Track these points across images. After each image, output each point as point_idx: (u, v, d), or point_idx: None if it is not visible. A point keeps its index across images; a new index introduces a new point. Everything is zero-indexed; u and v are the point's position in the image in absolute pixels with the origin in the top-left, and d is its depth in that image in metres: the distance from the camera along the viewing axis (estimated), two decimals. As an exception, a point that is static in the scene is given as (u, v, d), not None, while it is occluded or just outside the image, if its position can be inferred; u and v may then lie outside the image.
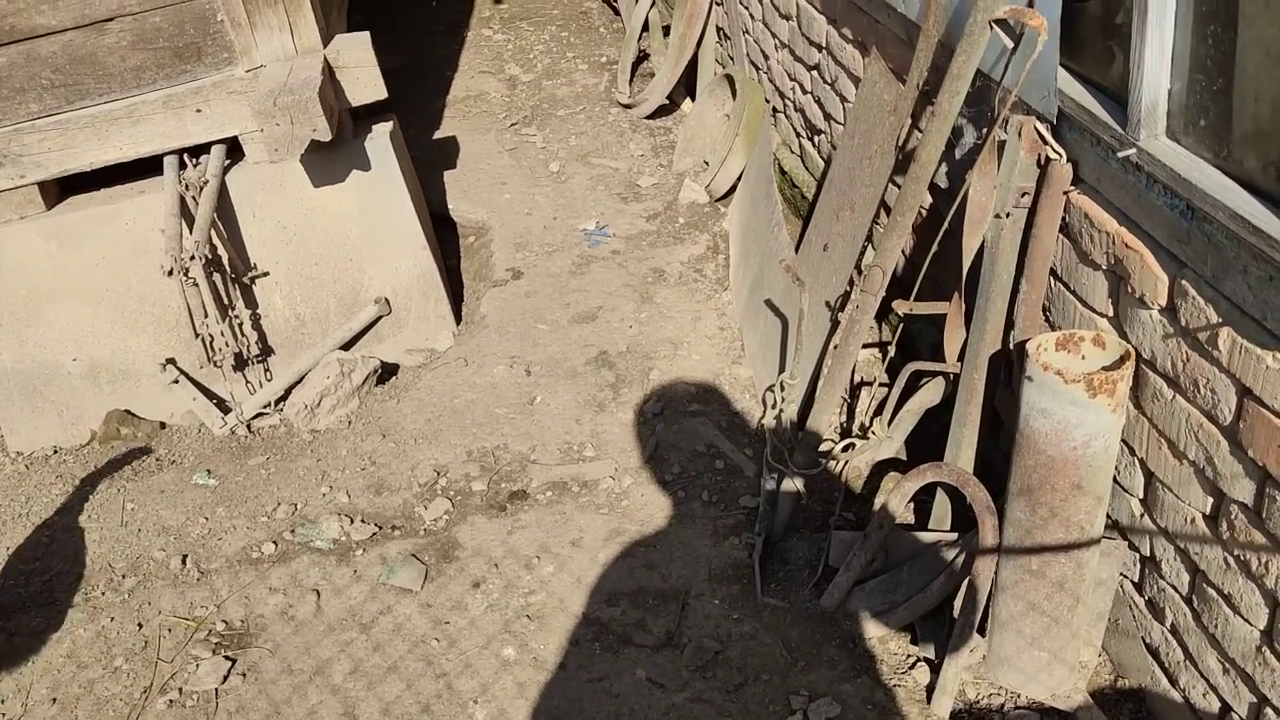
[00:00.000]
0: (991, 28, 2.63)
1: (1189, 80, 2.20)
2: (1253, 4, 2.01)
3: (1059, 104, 2.59)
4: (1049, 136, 2.63)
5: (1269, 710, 2.32)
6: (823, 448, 3.41)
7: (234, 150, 4.45)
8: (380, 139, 4.50)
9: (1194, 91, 2.20)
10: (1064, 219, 2.68)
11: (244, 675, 3.22)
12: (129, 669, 3.32)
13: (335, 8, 5.10)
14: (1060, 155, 2.61)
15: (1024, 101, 2.73)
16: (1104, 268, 2.56)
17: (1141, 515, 2.67)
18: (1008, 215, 2.74)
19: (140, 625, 3.46)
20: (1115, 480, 2.71)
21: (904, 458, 3.52)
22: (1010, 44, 2.63)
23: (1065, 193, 2.64)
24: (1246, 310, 2.09)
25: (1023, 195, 2.70)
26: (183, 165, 4.36)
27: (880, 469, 3.60)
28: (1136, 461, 2.64)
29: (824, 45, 4.34)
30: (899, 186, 3.22)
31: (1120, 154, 2.35)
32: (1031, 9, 2.52)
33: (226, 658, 3.28)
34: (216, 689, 3.18)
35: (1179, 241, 2.26)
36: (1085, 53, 2.60)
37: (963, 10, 2.91)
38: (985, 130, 2.93)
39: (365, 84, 4.41)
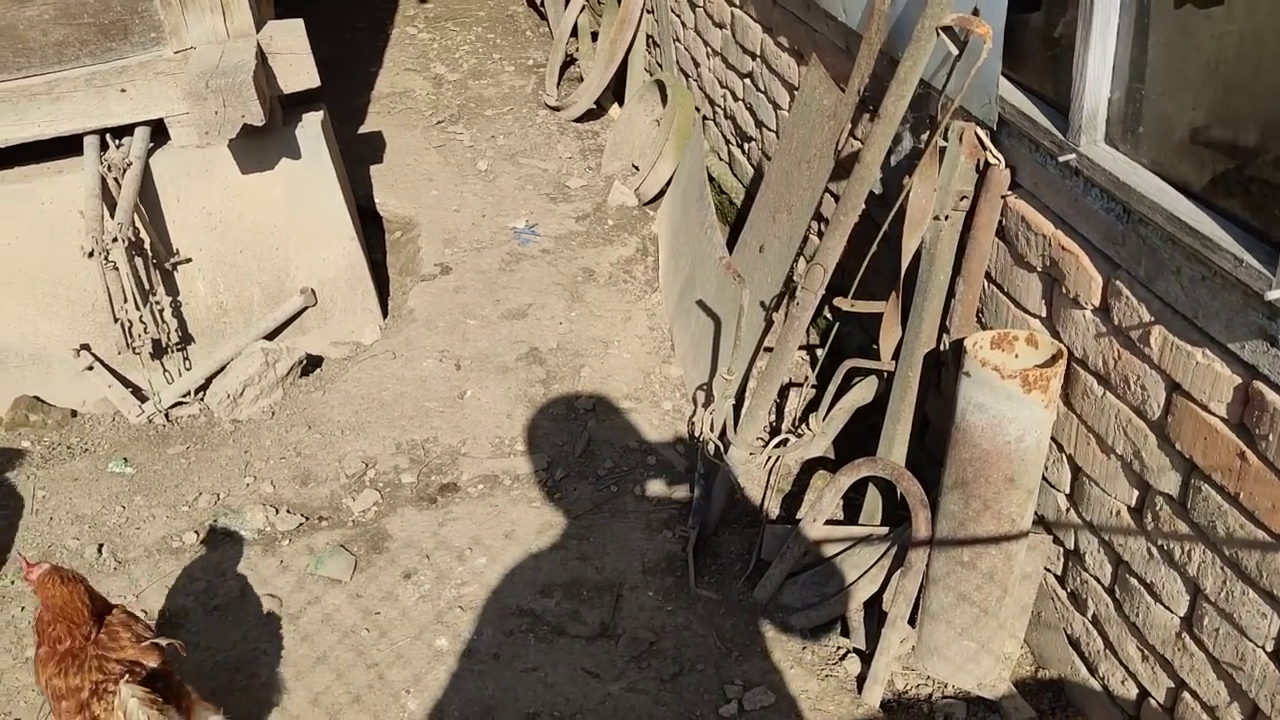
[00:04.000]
0: (938, 34, 2.72)
1: (1129, 89, 2.31)
2: (1192, 17, 2.12)
3: (999, 110, 2.69)
4: (988, 142, 2.73)
5: (1185, 694, 2.43)
6: (756, 443, 3.47)
7: (159, 133, 4.33)
8: (311, 128, 4.43)
9: (1134, 100, 2.31)
10: (1001, 222, 2.78)
11: (165, 665, 3.14)
12: None
13: (264, -6, 5.01)
14: (999, 160, 2.71)
15: (965, 108, 2.82)
16: (1039, 269, 2.67)
17: (1067, 510, 2.78)
18: (946, 218, 2.83)
19: (53, 615, 3.33)
20: (1044, 477, 2.81)
21: (832, 458, 3.59)
22: (955, 51, 2.73)
23: (1003, 197, 2.74)
24: (1178, 309, 2.20)
25: (962, 199, 2.80)
26: (104, 146, 4.23)
27: (810, 467, 3.67)
28: (1065, 458, 2.74)
29: (758, 53, 4.42)
30: (834, 196, 3.31)
31: (1061, 158, 2.45)
32: (977, 17, 2.61)
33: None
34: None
35: (1114, 244, 2.36)
36: (1026, 61, 2.71)
37: (906, 18, 3.00)
38: (925, 135, 3.02)
39: (298, 71, 4.34)
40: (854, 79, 3.27)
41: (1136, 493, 2.48)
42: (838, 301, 3.16)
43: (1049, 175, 2.57)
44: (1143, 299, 2.31)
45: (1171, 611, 2.43)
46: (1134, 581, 2.55)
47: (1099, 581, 2.70)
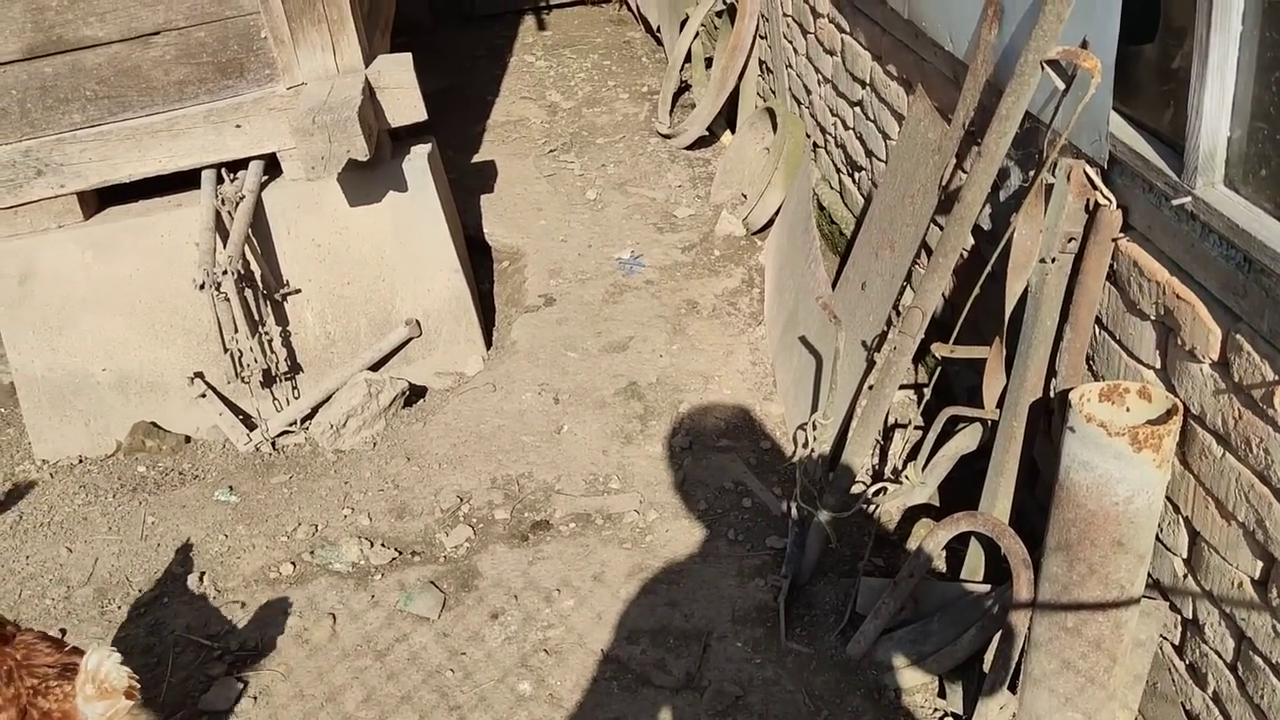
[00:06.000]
0: (1043, 68, 2.57)
1: (1250, 128, 2.13)
2: (1320, 52, 1.94)
3: (1110, 148, 2.52)
4: (1099, 181, 2.56)
5: (1315, 788, 2.22)
6: (854, 490, 3.33)
7: (272, 166, 4.44)
8: (418, 161, 4.48)
9: (1256, 140, 2.12)
10: (1112, 266, 2.61)
11: (255, 698, 3.17)
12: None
13: (379, 29, 5.10)
14: (1110, 201, 2.54)
15: (1074, 145, 2.66)
16: (1152, 318, 2.48)
17: (1185, 576, 2.57)
18: (1053, 260, 2.66)
19: (154, 643, 3.41)
20: (1158, 539, 2.61)
21: (937, 504, 3.43)
22: (1062, 85, 2.57)
23: (1114, 240, 2.56)
24: (1305, 369, 2.01)
25: (1069, 241, 2.63)
26: (220, 180, 4.36)
27: (912, 515, 3.51)
28: (1181, 520, 2.54)
29: (868, 81, 4.29)
30: (940, 227, 3.16)
31: (1175, 202, 2.27)
32: (1085, 50, 2.45)
33: (238, 679, 3.22)
34: (226, 711, 3.12)
35: (1234, 294, 2.18)
36: (1140, 96, 2.53)
37: (1013, 50, 2.85)
38: (1032, 173, 2.86)
39: (405, 105, 4.40)
40: (959, 111, 3.12)
41: (1260, 564, 2.28)
42: (935, 348, 3.01)
43: (1164, 218, 2.38)
44: (1266, 356, 2.12)
45: (1299, 697, 2.22)
46: (1258, 660, 2.34)
47: (1220, 656, 2.49)
